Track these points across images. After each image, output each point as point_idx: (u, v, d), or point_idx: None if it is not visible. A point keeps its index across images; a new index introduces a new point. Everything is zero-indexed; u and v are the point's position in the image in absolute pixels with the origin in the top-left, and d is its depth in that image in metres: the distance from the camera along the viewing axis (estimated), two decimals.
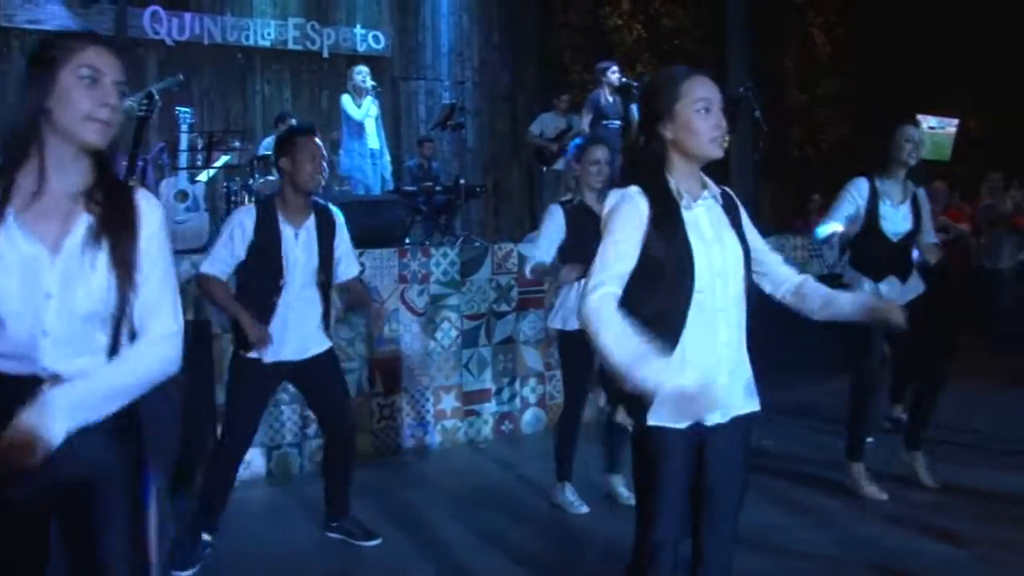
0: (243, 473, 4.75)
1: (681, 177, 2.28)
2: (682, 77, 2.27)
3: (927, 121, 12.14)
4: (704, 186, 2.32)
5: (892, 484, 4.58)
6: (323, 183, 3.78)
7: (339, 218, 3.87)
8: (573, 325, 4.27)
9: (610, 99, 8.60)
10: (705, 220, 2.27)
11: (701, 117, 2.22)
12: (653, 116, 2.28)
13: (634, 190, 2.23)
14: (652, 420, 2.24)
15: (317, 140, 3.73)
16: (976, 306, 8.78)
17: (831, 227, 4.52)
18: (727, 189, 2.40)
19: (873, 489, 4.50)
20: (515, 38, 11.74)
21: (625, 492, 4.47)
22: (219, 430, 3.98)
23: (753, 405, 2.36)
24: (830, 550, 3.86)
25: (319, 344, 3.80)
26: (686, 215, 2.24)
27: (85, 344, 1.82)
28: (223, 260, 3.71)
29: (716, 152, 2.25)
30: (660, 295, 2.22)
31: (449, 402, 5.70)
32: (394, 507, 4.51)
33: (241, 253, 3.69)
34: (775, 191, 10.92)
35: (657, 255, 2.19)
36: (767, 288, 2.48)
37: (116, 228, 1.81)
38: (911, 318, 4.51)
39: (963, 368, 7.63)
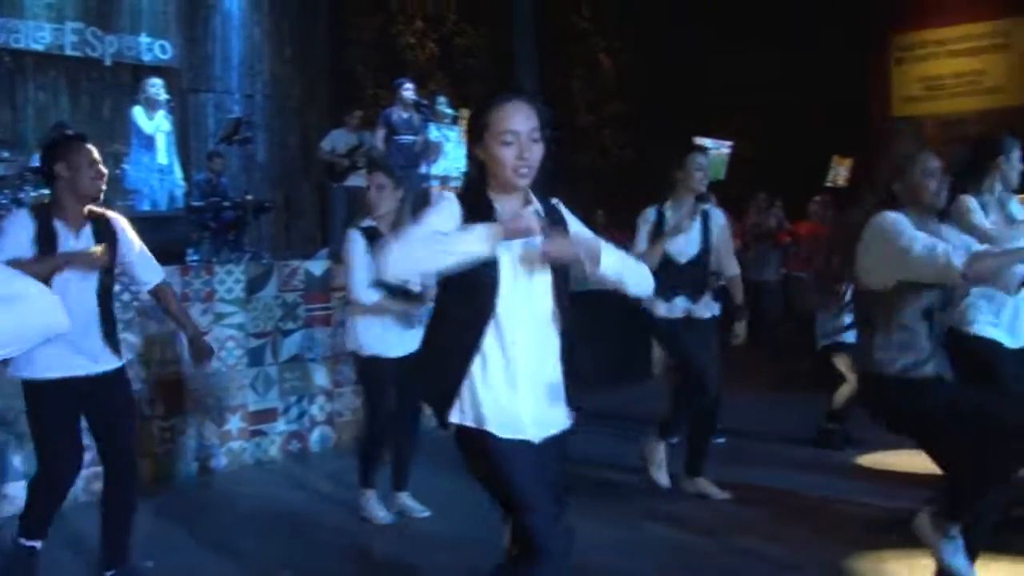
0: (7, 509, 4.49)
1: (500, 195, 2.32)
2: (494, 107, 2.29)
3: (703, 142, 12.99)
4: (528, 202, 2.35)
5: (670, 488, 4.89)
6: (103, 190, 3.55)
7: (120, 223, 3.60)
8: (371, 350, 4.31)
9: (404, 115, 8.69)
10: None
11: (504, 148, 2.26)
12: (472, 137, 2.36)
13: (451, 196, 2.33)
14: (464, 421, 2.29)
15: (93, 148, 3.49)
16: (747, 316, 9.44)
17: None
18: (556, 203, 2.43)
19: (661, 475, 4.82)
20: (307, 53, 11.60)
21: (416, 506, 4.53)
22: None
23: (562, 423, 2.42)
24: (610, 555, 4.06)
25: (108, 360, 3.52)
26: None
27: None
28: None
29: (518, 182, 2.29)
30: (463, 308, 2.27)
31: (235, 423, 5.57)
32: (179, 534, 4.38)
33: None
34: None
35: (463, 269, 2.22)
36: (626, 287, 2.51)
37: None
38: (703, 339, 4.81)
39: (738, 374, 8.23)
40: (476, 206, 2.30)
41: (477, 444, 2.31)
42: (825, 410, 6.00)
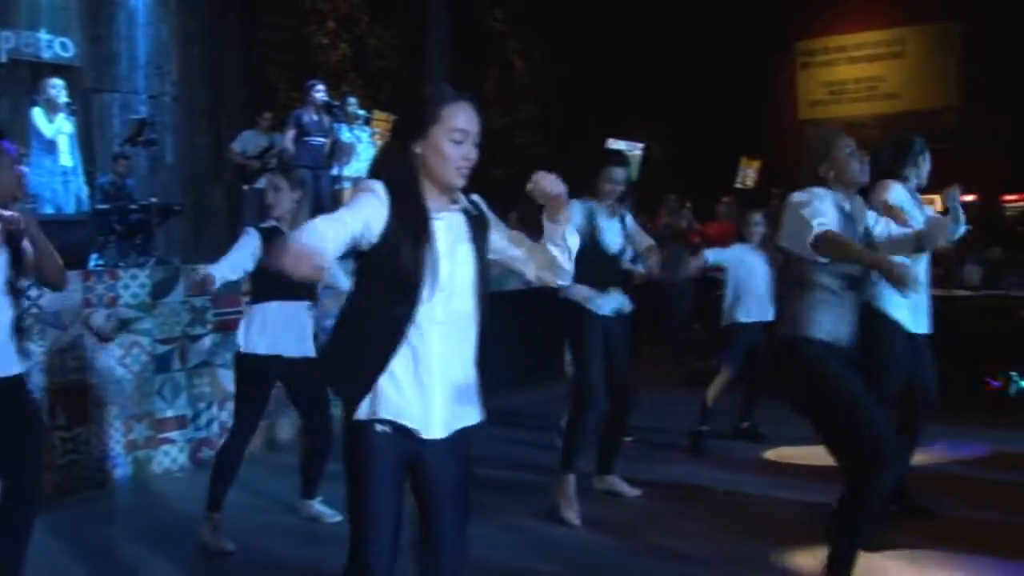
0: None
1: (429, 191, 2.31)
2: (444, 101, 2.28)
3: (617, 144, 13.16)
4: (454, 201, 2.35)
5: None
6: (21, 193, 3.40)
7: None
8: (261, 348, 4.27)
9: (315, 117, 8.64)
10: (443, 233, 2.30)
11: (452, 146, 2.26)
12: (409, 130, 2.31)
13: (379, 184, 2.25)
14: (361, 414, 2.26)
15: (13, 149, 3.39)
16: (657, 316, 9.60)
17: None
18: (478, 200, 2.43)
19: (571, 514, 4.54)
20: (217, 53, 11.38)
21: (327, 510, 4.51)
22: None
23: (473, 417, 2.41)
24: (516, 553, 4.10)
25: (16, 363, 3.27)
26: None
27: None
28: None
29: (457, 181, 2.30)
30: (388, 299, 2.24)
31: (141, 431, 5.44)
32: (85, 547, 4.26)
33: None
34: None
35: (394, 259, 2.21)
36: (529, 276, 2.54)
37: None
38: (622, 337, 4.86)
39: (649, 373, 8.35)
40: (408, 201, 2.27)
41: (358, 445, 2.30)
42: (742, 408, 6.16)
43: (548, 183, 2.35)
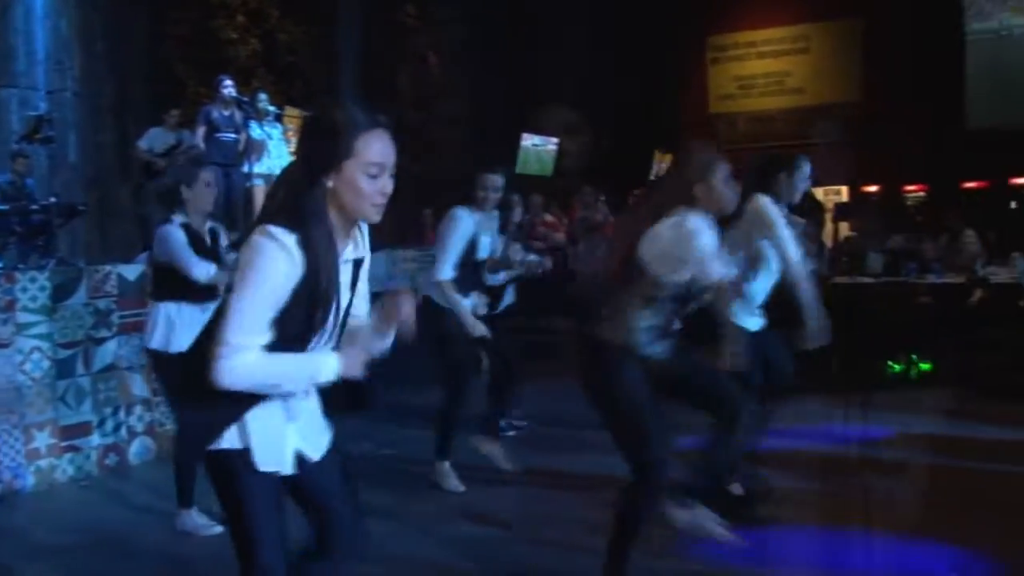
0: None
1: (335, 227, 2.15)
2: (359, 131, 2.10)
3: (531, 139, 13.28)
4: (351, 238, 2.23)
5: (489, 480, 4.95)
6: None
7: None
8: (171, 347, 4.17)
9: (225, 113, 8.51)
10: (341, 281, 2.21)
11: (368, 181, 2.10)
12: (319, 162, 2.11)
13: (292, 242, 2.04)
14: (224, 444, 2.17)
15: None
16: (572, 307, 9.67)
17: (448, 273, 4.68)
18: (365, 233, 2.31)
19: (454, 482, 4.86)
20: (121, 47, 11.05)
21: (203, 521, 4.36)
22: None
23: (328, 435, 2.40)
24: (434, 551, 4.08)
25: None
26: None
27: None
28: None
29: (373, 218, 2.16)
30: (286, 334, 2.12)
31: (43, 439, 5.24)
32: None
33: None
34: (390, 206, 11.23)
35: (301, 305, 2.09)
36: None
37: None
38: (503, 328, 4.90)
39: (561, 362, 8.39)
40: (322, 253, 2.09)
41: (230, 469, 2.20)
42: None
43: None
